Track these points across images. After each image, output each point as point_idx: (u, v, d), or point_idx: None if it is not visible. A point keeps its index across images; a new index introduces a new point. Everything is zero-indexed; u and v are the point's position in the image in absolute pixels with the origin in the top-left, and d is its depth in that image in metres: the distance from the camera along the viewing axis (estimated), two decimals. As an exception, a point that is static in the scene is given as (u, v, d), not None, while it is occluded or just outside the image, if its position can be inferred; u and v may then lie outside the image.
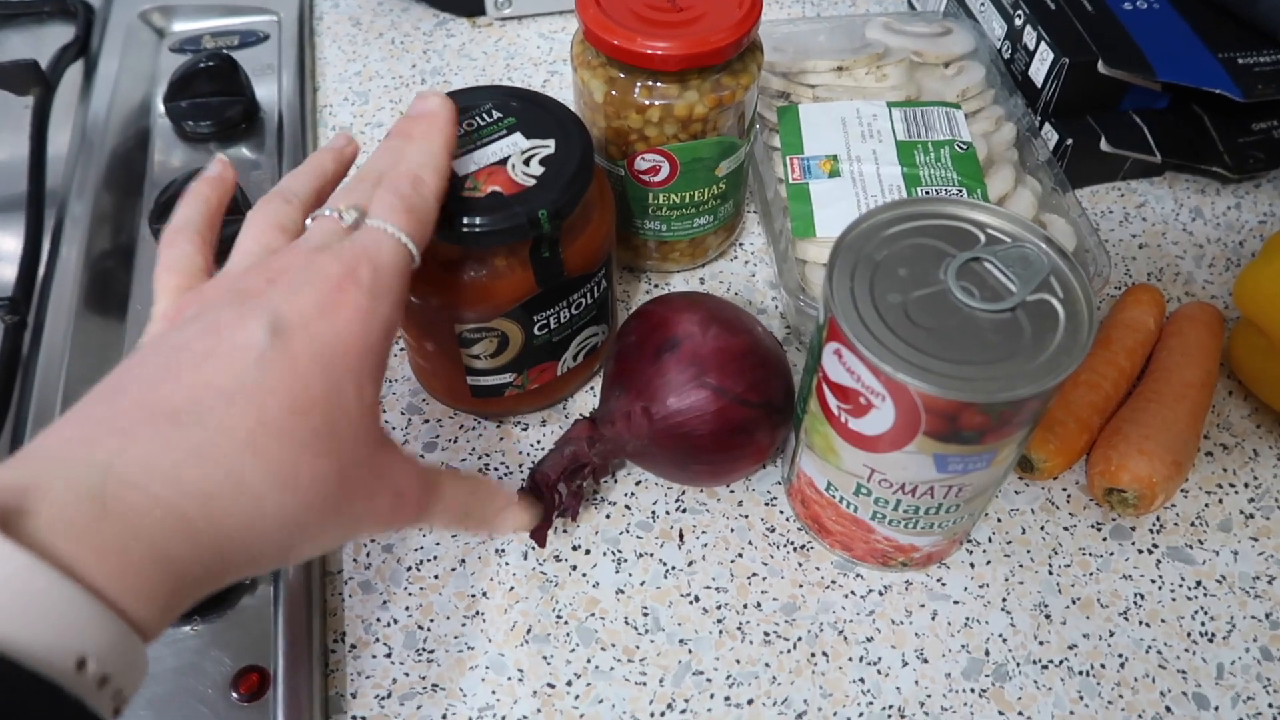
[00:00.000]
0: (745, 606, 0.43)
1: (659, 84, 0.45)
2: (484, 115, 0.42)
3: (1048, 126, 0.58)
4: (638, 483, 0.46)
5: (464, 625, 0.42)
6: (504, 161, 0.40)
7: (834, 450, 0.39)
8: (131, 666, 0.24)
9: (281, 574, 0.42)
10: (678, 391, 0.41)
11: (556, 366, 0.46)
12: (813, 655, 0.41)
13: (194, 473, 0.25)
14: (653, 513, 0.46)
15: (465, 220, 0.39)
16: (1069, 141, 0.56)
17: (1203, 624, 0.43)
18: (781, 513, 0.46)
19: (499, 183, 0.40)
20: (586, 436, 0.42)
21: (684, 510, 0.46)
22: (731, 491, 0.46)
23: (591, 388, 0.50)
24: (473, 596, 0.43)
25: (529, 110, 0.42)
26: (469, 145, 0.41)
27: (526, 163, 0.40)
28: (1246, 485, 0.47)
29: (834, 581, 0.44)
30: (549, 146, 0.41)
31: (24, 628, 0.21)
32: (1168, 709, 0.40)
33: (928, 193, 0.50)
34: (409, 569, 0.44)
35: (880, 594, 0.43)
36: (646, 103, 0.45)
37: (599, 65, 0.46)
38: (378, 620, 0.42)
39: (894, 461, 0.37)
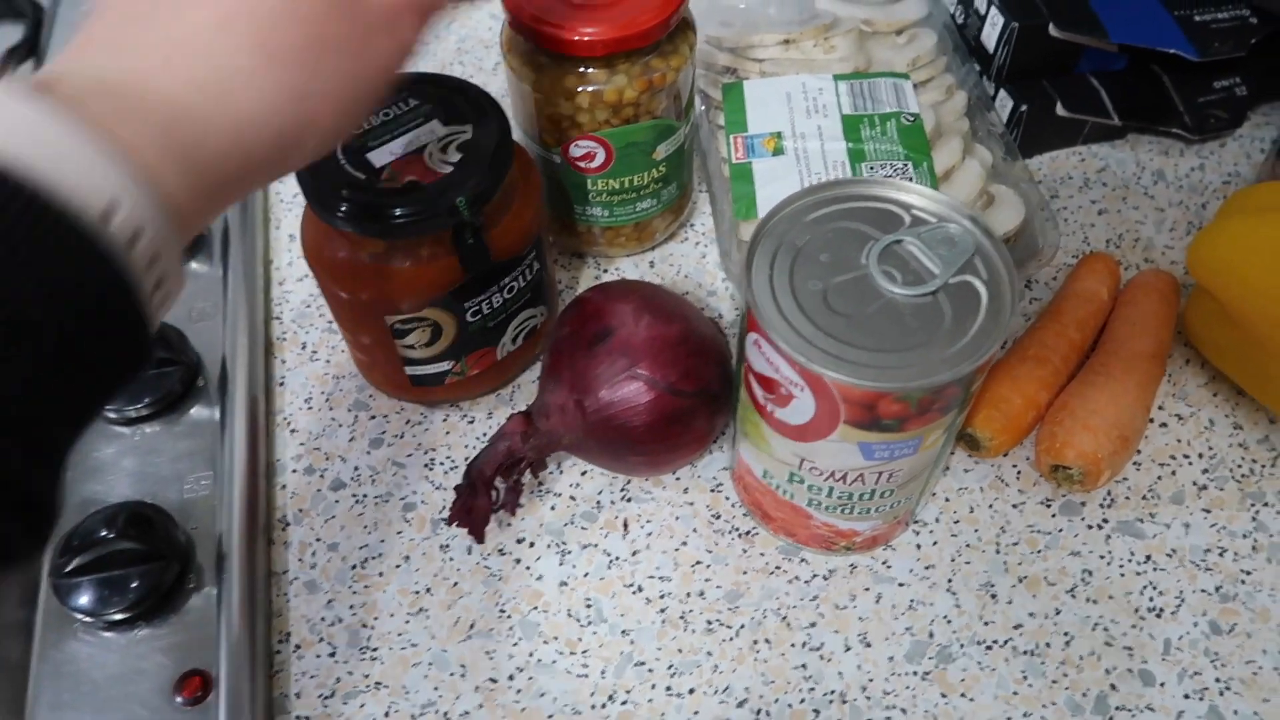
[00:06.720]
0: (688, 595, 0.43)
1: (587, 70, 0.44)
2: (400, 104, 0.41)
3: (1003, 93, 0.56)
4: (583, 473, 0.46)
5: (407, 622, 0.42)
6: (421, 150, 0.40)
7: (764, 439, 0.39)
8: (169, 244, 0.25)
9: (225, 576, 0.42)
10: (610, 383, 0.41)
11: (496, 351, 0.46)
12: (755, 642, 0.41)
13: (181, 63, 0.26)
14: (597, 503, 0.45)
15: (384, 212, 0.38)
16: (1024, 108, 0.55)
17: (1151, 599, 0.42)
18: (727, 499, 0.45)
19: (416, 172, 0.39)
20: (521, 431, 0.42)
21: (629, 499, 0.45)
22: (677, 479, 0.46)
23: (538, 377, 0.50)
24: (416, 593, 0.43)
25: (446, 96, 0.42)
26: (384, 135, 0.40)
27: (444, 150, 0.40)
28: (1201, 456, 0.46)
29: (778, 567, 0.43)
30: (466, 132, 0.40)
31: (46, 165, 0.22)
32: (1112, 686, 0.40)
33: (872, 168, 0.49)
34: (353, 567, 0.44)
35: (825, 579, 0.43)
36: (576, 89, 0.44)
37: (527, 52, 0.45)
38: (322, 619, 0.42)
39: (821, 450, 0.37)
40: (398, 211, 0.38)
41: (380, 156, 0.40)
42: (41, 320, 0.22)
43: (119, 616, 0.41)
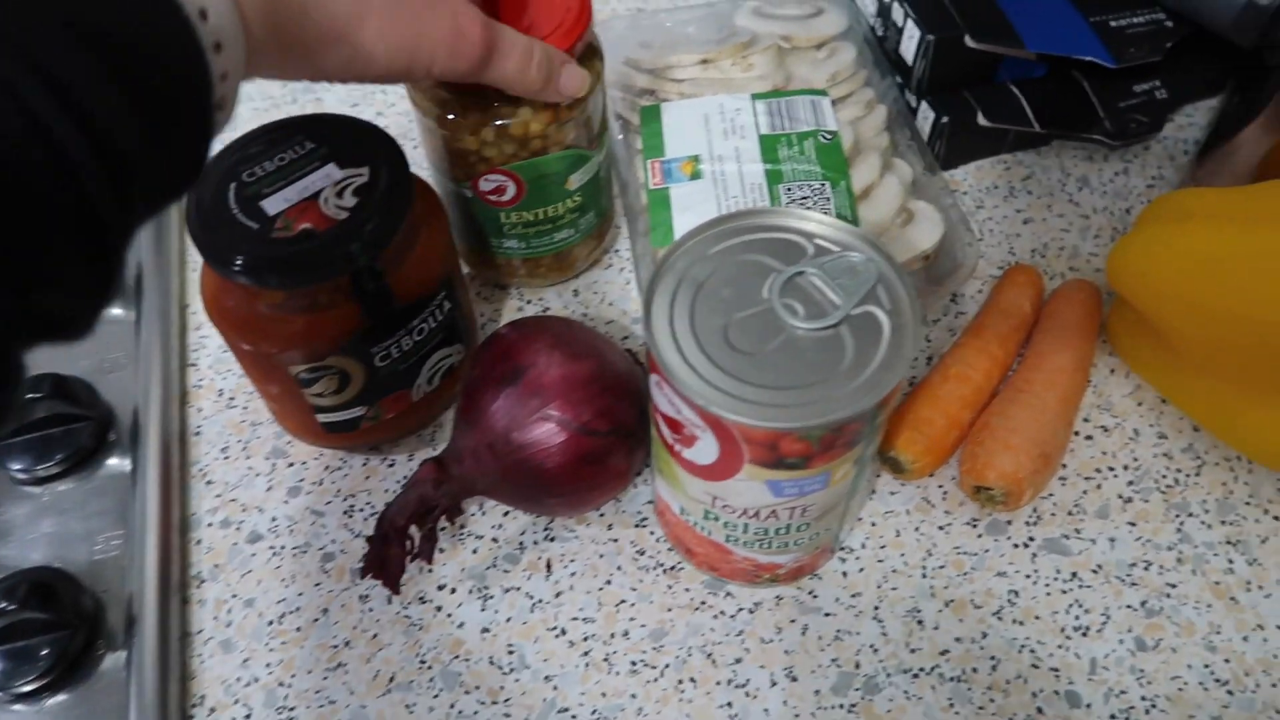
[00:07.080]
0: (612, 636, 0.42)
1: (492, 104, 0.43)
2: (295, 148, 0.40)
3: (924, 105, 0.56)
4: (505, 513, 0.45)
5: (325, 679, 0.41)
6: (316, 196, 0.39)
7: (677, 478, 0.38)
8: (236, 69, 0.27)
9: (136, 640, 0.41)
10: (521, 426, 0.40)
11: (411, 394, 0.45)
12: (680, 682, 0.41)
13: None
14: (520, 544, 0.45)
15: (278, 263, 0.37)
16: (945, 119, 0.55)
17: (1077, 618, 0.42)
18: (652, 533, 0.45)
19: (311, 219, 0.38)
20: (432, 478, 0.41)
21: (552, 539, 0.45)
22: (601, 515, 0.45)
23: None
24: (335, 647, 0.42)
25: (342, 139, 0.41)
26: (278, 182, 0.39)
27: (340, 194, 0.39)
28: (1126, 467, 0.46)
29: (703, 602, 0.43)
30: (363, 175, 0.39)
31: None
32: (1039, 710, 0.40)
33: (789, 189, 0.49)
34: (270, 623, 0.43)
35: (750, 612, 0.42)
36: (481, 124, 0.44)
37: (429, 87, 0.44)
38: (238, 680, 0.41)
39: (731, 488, 0.36)
40: (291, 262, 0.38)
41: (274, 204, 0.39)
42: (144, 93, 0.23)
43: (27, 688, 0.40)
